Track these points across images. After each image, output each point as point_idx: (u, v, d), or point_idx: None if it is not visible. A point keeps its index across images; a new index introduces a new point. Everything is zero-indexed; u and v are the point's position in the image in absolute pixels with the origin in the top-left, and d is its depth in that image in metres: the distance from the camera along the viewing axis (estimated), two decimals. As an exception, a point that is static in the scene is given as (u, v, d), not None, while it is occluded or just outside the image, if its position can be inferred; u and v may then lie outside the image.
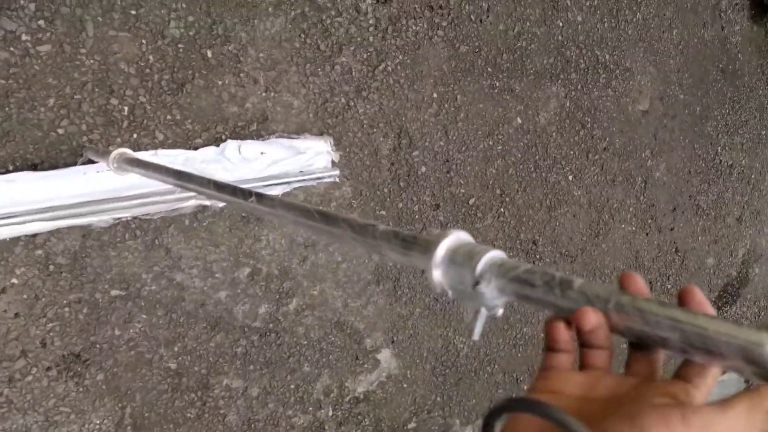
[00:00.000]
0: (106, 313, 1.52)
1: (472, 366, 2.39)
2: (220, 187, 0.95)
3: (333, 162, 1.80)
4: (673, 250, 3.22)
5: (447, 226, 2.15)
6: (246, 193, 0.87)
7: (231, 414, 1.79)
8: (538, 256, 2.54)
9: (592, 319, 0.42)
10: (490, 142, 2.22)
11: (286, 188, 1.72)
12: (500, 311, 0.48)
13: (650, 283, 3.12)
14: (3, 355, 1.41)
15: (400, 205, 2.01)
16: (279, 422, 1.90)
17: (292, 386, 1.89)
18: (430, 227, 2.10)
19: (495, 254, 0.48)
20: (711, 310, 0.41)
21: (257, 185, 1.64)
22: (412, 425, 2.25)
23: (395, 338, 2.11)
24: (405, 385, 2.18)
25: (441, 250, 0.50)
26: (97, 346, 1.52)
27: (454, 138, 2.11)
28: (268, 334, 1.80)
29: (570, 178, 2.54)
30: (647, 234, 3.00)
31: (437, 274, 0.50)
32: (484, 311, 0.48)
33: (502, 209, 2.32)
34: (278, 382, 1.86)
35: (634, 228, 2.91)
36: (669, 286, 3.24)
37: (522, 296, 0.46)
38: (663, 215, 3.06)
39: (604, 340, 0.43)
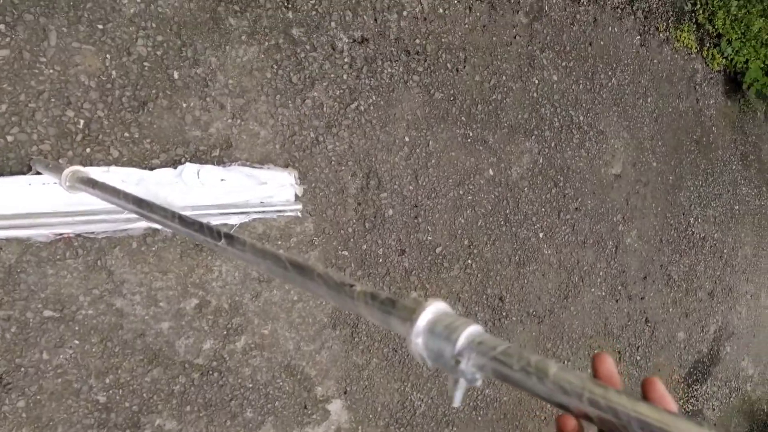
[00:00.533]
0: (36, 334, 1.45)
1: (429, 426, 2.33)
2: (187, 224, 0.90)
3: (296, 196, 1.80)
4: (644, 320, 3.24)
5: (412, 273, 2.15)
6: (215, 234, 0.83)
7: (162, 458, 1.70)
8: (504, 314, 2.54)
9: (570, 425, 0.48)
10: (461, 192, 2.25)
11: (245, 218, 1.71)
12: (479, 382, 0.50)
13: (618, 353, 3.12)
14: None
15: (364, 246, 2.00)
16: (214, 472, 1.81)
17: (232, 432, 1.82)
18: (395, 273, 2.09)
19: (474, 330, 0.50)
20: (672, 404, 0.45)
21: (214, 212, 1.63)
22: (360, 486, 2.16)
23: (348, 389, 2.05)
24: (355, 441, 2.11)
25: (422, 321, 0.52)
26: (22, 369, 1.45)
27: (424, 184, 2.14)
28: (210, 372, 1.74)
29: (541, 235, 2.57)
30: (617, 300, 3.03)
31: (418, 344, 0.52)
32: (463, 381, 0.50)
33: (469, 261, 2.33)
34: (216, 427, 1.78)
35: (603, 293, 2.93)
36: (638, 358, 3.25)
37: (500, 376, 0.48)
38: (633, 282, 3.10)
39: None
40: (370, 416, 2.13)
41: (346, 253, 1.97)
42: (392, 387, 2.18)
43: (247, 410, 1.83)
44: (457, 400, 0.50)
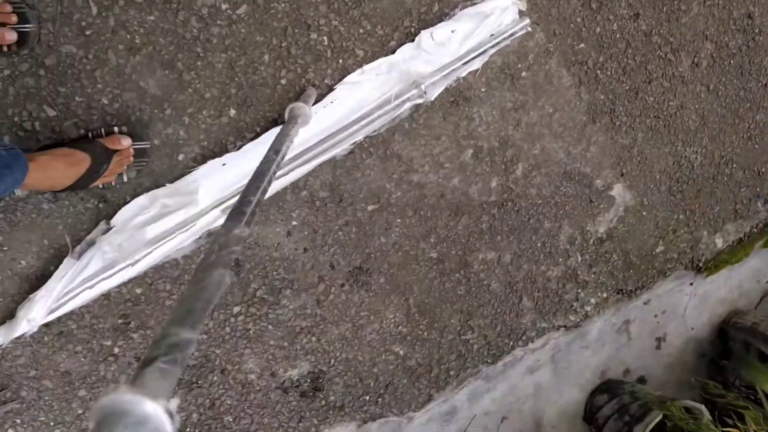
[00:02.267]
0: (370, 226, 1.81)
1: (709, 173, 2.42)
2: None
3: (520, 12, 1.83)
4: None
5: (652, 34, 2.10)
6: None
7: (493, 282, 2.07)
8: (756, 30, 2.38)
9: None
10: None
11: (484, 58, 1.80)
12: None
13: None
14: (306, 284, 1.78)
15: (598, 29, 2.00)
16: (536, 279, 2.15)
17: (539, 244, 2.11)
18: (635, 42, 2.07)
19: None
20: None
21: (458, 65, 1.76)
22: (660, 249, 2.39)
23: (624, 171, 2.20)
24: (644, 213, 2.30)
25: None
26: (372, 255, 1.84)
27: (636, -67, 1.99)
28: (504, 204, 2.00)
29: (782, -77, 2.27)
30: None
31: None
32: None
33: (707, -7, 2.18)
34: (525, 244, 2.08)
35: None
36: None
37: None
38: None
39: None
40: (651, 186, 2.28)
41: (583, 45, 1.99)
42: (664, 152, 2.27)
43: (545, 222, 2.09)
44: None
